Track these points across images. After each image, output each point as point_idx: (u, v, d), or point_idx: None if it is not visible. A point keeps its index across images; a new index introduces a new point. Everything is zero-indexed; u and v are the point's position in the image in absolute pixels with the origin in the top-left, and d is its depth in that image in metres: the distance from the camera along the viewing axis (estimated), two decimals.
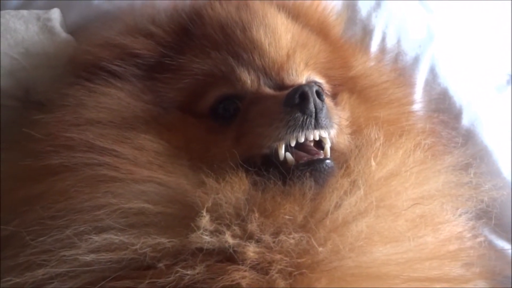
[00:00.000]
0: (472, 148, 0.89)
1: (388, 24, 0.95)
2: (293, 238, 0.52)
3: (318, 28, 0.80)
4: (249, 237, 0.53)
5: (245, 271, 0.51)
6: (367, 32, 0.94)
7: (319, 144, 0.62)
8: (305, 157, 0.59)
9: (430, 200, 0.61)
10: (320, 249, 0.51)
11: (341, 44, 0.84)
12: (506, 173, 0.89)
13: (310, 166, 0.58)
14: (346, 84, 0.77)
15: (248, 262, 0.52)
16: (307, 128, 0.60)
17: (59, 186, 0.58)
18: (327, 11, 0.85)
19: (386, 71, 0.88)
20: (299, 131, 0.59)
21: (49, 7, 0.82)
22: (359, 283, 0.52)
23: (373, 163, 0.61)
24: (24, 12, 0.79)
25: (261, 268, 0.52)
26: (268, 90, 0.67)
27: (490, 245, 0.81)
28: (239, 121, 0.64)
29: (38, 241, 0.55)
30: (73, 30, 0.83)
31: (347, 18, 0.93)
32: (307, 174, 0.57)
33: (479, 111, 0.93)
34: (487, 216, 0.81)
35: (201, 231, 0.52)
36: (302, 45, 0.72)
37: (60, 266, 0.53)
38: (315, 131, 0.60)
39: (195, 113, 0.67)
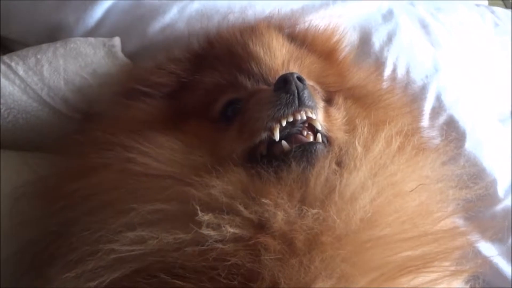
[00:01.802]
0: (471, 169, 0.98)
1: (398, 57, 1.06)
2: (308, 214, 0.59)
3: (320, 50, 0.90)
4: (250, 222, 0.60)
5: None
6: (379, 64, 1.05)
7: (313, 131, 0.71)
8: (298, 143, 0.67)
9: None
10: (337, 221, 0.58)
11: (338, 58, 0.93)
12: (501, 194, 0.96)
13: (301, 147, 0.66)
14: (341, 92, 0.84)
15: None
16: (291, 106, 0.67)
17: (96, 181, 0.67)
18: (333, 37, 0.95)
19: (381, 81, 0.98)
20: (285, 109, 0.67)
21: (110, 36, 0.96)
22: (379, 248, 0.59)
23: (358, 146, 0.68)
24: (92, 39, 0.93)
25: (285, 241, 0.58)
26: (263, 86, 0.77)
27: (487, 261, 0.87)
28: (240, 116, 0.74)
29: (83, 235, 0.62)
30: (130, 57, 0.97)
31: (362, 51, 1.05)
32: (299, 155, 0.65)
33: (482, 138, 1.02)
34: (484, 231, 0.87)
35: (204, 226, 0.58)
36: (297, 57, 0.84)
37: (103, 259, 0.59)
38: (302, 111, 0.68)
39: (209, 119, 0.78)
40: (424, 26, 1.16)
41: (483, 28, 1.30)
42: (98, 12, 0.98)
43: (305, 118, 0.69)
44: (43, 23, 1.01)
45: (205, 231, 0.58)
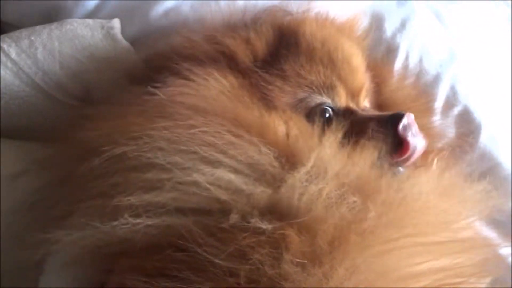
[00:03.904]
0: (487, 163, 0.95)
1: (411, 44, 1.02)
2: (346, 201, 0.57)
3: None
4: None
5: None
6: (391, 51, 1.01)
7: None
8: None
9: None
10: (372, 213, 0.56)
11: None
12: None
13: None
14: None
15: None
16: None
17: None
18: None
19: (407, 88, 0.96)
20: None
21: (111, 18, 0.90)
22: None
23: None
24: (90, 21, 0.87)
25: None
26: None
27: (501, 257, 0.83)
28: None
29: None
30: (131, 41, 0.91)
31: (373, 38, 1.00)
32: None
33: (497, 131, 0.98)
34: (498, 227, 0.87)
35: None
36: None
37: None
38: None
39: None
40: (439, 15, 1.12)
41: (498, 19, 1.25)
42: None
43: None
44: (40, 6, 0.96)
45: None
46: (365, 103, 0.86)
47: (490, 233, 0.86)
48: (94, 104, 0.80)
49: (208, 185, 0.57)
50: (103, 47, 0.85)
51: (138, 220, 0.56)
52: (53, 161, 0.73)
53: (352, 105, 0.81)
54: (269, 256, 0.53)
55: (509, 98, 1.10)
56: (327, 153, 0.63)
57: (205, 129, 0.61)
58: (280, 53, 0.80)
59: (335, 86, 0.79)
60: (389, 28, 1.04)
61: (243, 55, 0.79)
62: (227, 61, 0.77)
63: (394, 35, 1.03)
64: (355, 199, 0.57)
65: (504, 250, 0.86)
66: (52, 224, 0.61)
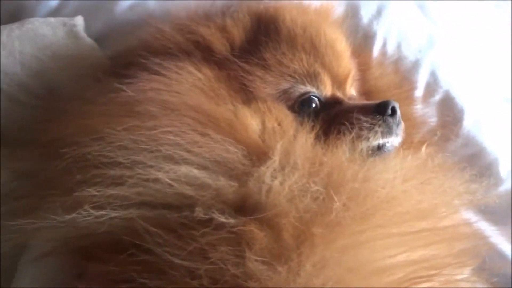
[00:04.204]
0: (471, 148, 0.93)
1: (388, 30, 1.00)
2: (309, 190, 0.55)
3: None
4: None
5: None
6: (368, 38, 0.99)
7: None
8: None
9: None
10: (337, 203, 0.54)
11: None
12: (503, 174, 0.91)
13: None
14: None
15: None
16: (390, 134, 0.73)
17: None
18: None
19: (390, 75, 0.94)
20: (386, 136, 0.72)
21: (75, 16, 0.88)
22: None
23: None
24: (51, 19, 0.85)
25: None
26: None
27: (490, 244, 0.83)
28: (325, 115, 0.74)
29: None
30: (96, 38, 0.89)
31: (349, 25, 0.97)
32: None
33: (481, 116, 0.96)
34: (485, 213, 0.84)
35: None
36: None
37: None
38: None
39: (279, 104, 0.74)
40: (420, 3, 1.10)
41: (483, 5, 1.23)
42: None
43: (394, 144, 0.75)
44: (3, 6, 0.93)
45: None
46: (351, 92, 0.84)
47: (481, 222, 0.84)
48: (58, 103, 0.77)
49: (170, 182, 0.56)
50: (66, 45, 0.82)
51: (102, 212, 0.55)
52: (20, 158, 0.72)
53: (338, 94, 0.79)
54: (231, 254, 0.51)
55: (492, 81, 1.08)
56: (297, 145, 0.61)
57: (169, 128, 0.60)
58: (259, 40, 0.77)
59: (318, 74, 0.76)
60: (365, 15, 1.01)
61: (219, 44, 0.76)
62: (202, 51, 0.74)
63: (370, 22, 1.01)
64: (318, 188, 0.55)
65: (496, 238, 0.85)
66: (21, 216, 0.60)
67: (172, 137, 0.59)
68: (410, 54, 0.99)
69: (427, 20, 1.07)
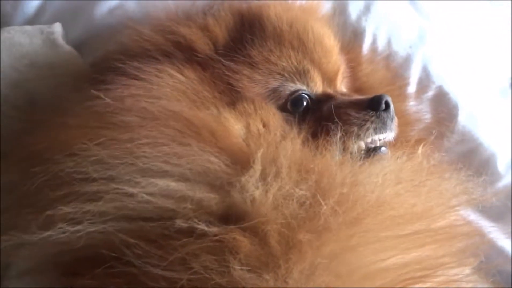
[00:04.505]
0: (467, 144, 0.91)
1: (378, 27, 0.97)
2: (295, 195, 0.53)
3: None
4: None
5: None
6: (357, 34, 0.97)
7: None
8: None
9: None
10: (324, 207, 0.52)
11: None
12: (501, 169, 0.89)
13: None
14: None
15: None
16: (384, 129, 0.71)
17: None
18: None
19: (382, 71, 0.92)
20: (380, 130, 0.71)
21: (53, 21, 0.86)
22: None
23: None
24: (28, 27, 0.82)
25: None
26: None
27: (490, 241, 0.82)
28: (317, 114, 0.72)
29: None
30: (76, 44, 0.86)
31: (337, 23, 0.95)
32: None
33: (477, 111, 0.94)
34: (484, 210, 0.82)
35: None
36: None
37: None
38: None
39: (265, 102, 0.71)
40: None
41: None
42: None
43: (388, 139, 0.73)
44: None
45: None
46: (342, 88, 0.82)
47: (480, 219, 0.82)
48: (38, 113, 0.75)
49: (147, 197, 0.55)
50: (44, 53, 0.80)
51: (78, 227, 0.54)
52: (3, 170, 0.68)
53: (329, 91, 0.77)
54: (214, 263, 0.49)
55: (486, 75, 1.06)
56: (282, 150, 0.59)
57: (146, 140, 0.58)
58: (244, 38, 0.75)
59: (308, 71, 0.74)
60: (353, 11, 0.99)
61: (202, 44, 0.73)
62: (183, 52, 0.72)
63: (359, 19, 0.98)
64: (304, 193, 0.53)
65: (495, 234, 0.83)
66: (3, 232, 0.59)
67: (149, 149, 0.57)
68: (401, 49, 0.97)
69: (417, 14, 1.04)
